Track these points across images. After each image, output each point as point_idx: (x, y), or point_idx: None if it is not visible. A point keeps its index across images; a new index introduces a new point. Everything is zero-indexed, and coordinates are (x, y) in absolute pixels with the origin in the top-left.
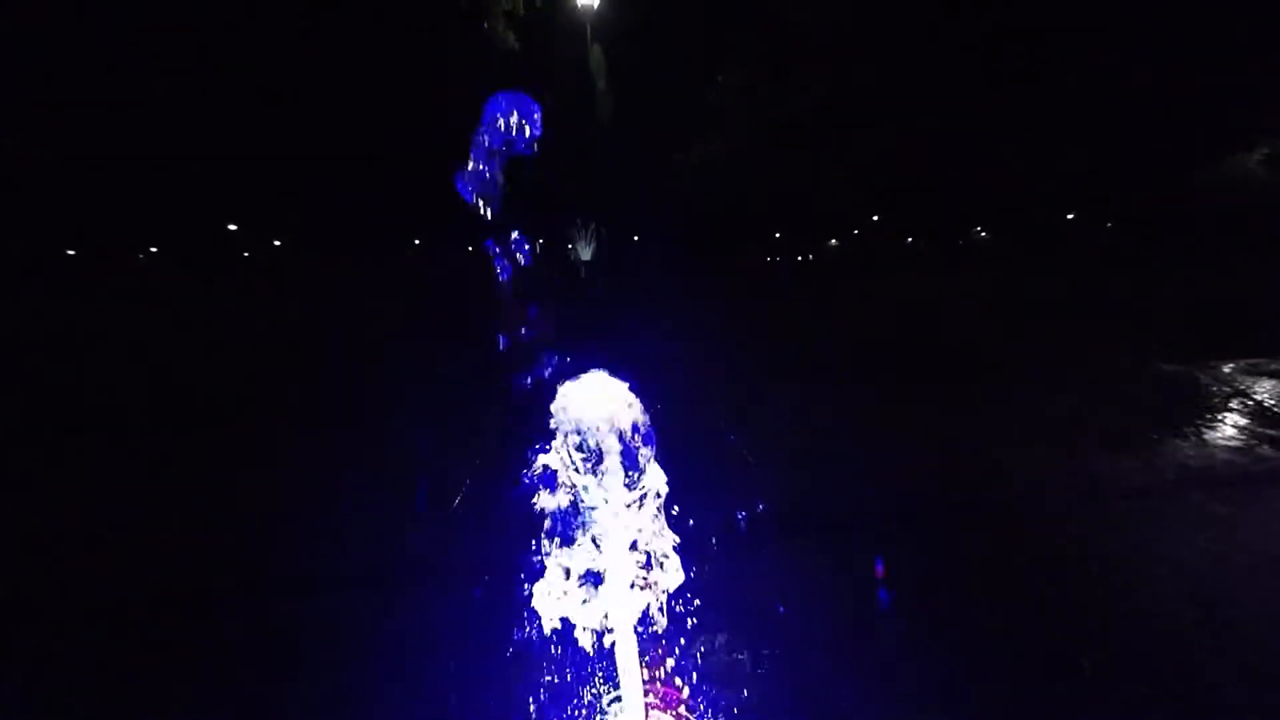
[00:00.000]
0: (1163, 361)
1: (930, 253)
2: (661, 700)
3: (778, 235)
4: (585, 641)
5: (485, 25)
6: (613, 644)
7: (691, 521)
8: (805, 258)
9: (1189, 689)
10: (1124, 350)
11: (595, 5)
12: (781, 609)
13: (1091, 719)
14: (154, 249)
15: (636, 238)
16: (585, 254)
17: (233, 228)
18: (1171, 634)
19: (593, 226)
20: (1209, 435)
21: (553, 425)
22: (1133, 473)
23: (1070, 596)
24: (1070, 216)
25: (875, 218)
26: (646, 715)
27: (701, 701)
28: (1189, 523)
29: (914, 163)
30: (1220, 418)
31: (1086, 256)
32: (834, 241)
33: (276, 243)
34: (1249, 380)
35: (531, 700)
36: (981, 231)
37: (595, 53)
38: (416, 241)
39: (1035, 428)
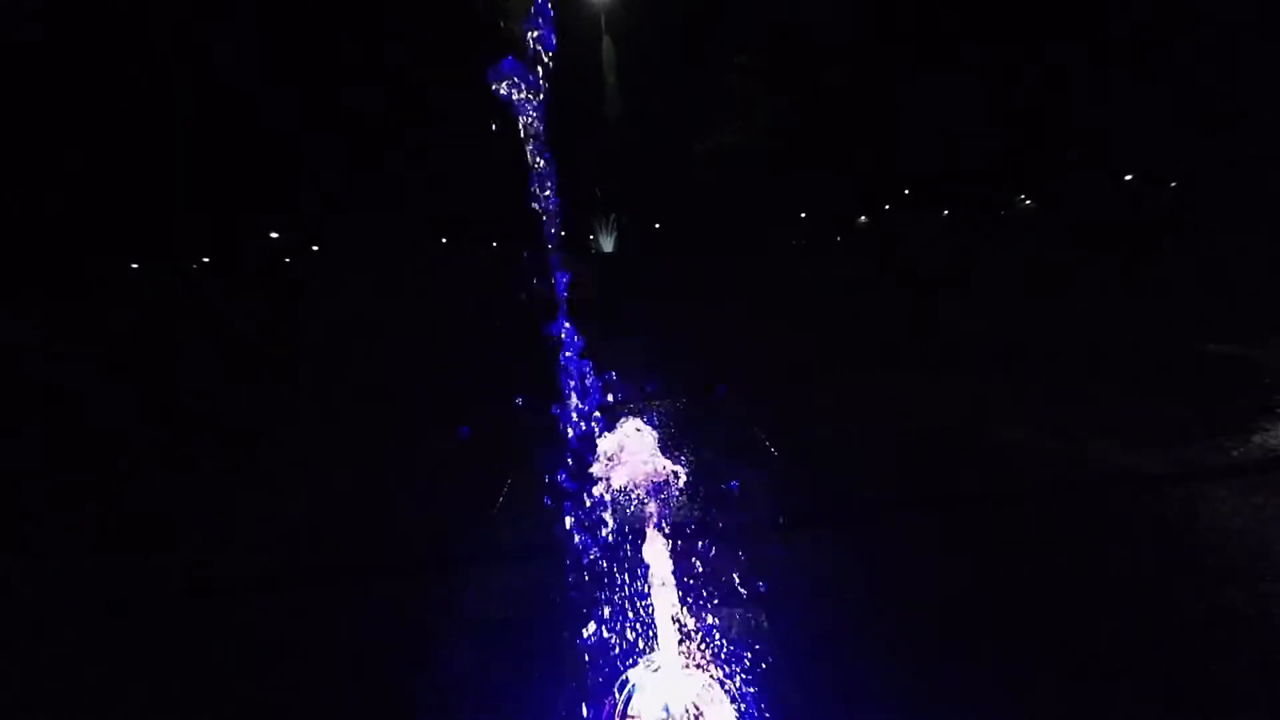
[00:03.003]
0: (1213, 341)
1: (966, 226)
2: (694, 661)
3: (803, 215)
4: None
5: (502, 25)
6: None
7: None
8: (834, 239)
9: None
10: (1175, 327)
11: None
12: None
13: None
14: (205, 259)
15: (658, 225)
16: (606, 245)
17: (274, 235)
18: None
19: (613, 217)
20: (1264, 421)
21: None
22: (1177, 462)
23: (1111, 596)
24: (1128, 179)
25: (906, 191)
26: (681, 671)
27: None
28: (1239, 513)
29: (947, 128)
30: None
31: (1144, 224)
32: (863, 219)
33: (315, 248)
34: None
35: (579, 658)
36: (1026, 200)
37: (607, 45)
38: (443, 240)
39: (1074, 416)
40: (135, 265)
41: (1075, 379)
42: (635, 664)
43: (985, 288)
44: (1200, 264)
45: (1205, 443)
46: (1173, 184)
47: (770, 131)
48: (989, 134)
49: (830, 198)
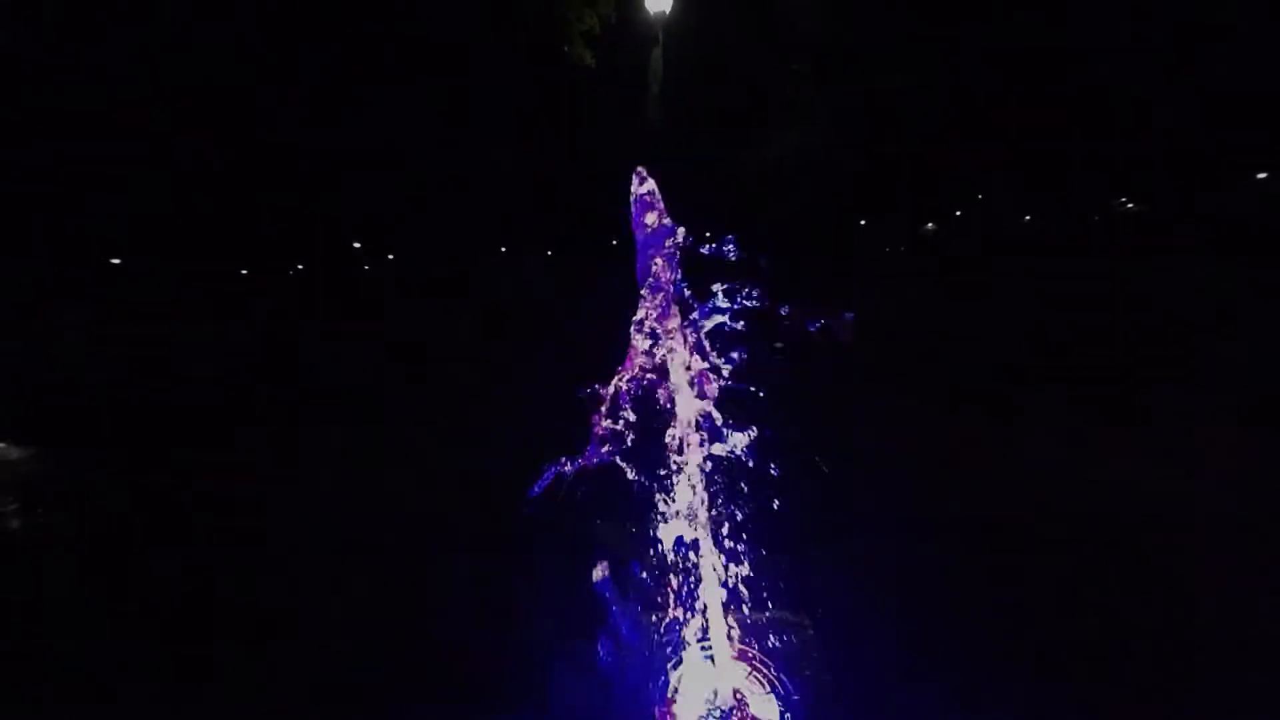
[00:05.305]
0: None
1: (1053, 232)
2: (740, 650)
3: (862, 223)
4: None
5: (566, 49)
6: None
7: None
8: (896, 248)
9: None
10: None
11: (667, 10)
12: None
13: None
14: (300, 265)
15: (708, 234)
16: None
17: (357, 245)
18: None
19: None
20: None
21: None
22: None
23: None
24: (1262, 176)
25: (980, 196)
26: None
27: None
28: None
29: (1033, 117)
30: None
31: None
32: (930, 225)
33: (390, 256)
34: None
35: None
36: (1127, 202)
37: (656, 58)
38: (503, 249)
39: (1156, 445)
40: (245, 271)
41: (1171, 403)
42: (686, 649)
43: (1070, 301)
44: None
45: None
46: None
47: (827, 136)
48: (1073, 135)
49: (893, 203)
